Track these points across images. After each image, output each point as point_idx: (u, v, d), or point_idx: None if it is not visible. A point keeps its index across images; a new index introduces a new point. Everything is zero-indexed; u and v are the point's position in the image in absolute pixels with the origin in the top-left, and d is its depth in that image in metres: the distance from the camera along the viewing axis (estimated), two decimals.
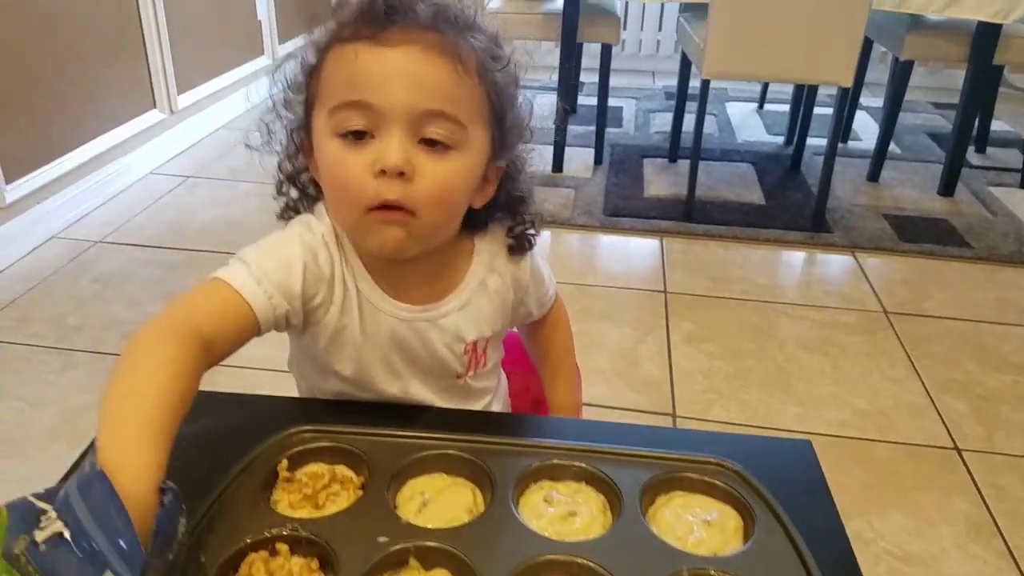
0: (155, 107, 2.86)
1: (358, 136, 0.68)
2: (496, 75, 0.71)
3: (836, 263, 2.53)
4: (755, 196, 2.91)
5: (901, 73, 2.95)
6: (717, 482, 0.69)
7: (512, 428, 0.74)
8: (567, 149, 3.05)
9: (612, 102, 3.57)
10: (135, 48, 2.73)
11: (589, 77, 3.36)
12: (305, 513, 0.64)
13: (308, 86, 0.73)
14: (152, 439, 0.55)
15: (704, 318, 2.16)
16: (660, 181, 3.01)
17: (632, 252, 2.56)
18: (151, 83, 2.82)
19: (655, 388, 1.86)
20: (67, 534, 0.48)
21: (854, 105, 3.43)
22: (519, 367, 1.02)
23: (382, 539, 0.60)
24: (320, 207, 0.78)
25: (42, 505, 0.50)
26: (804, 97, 3.11)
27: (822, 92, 3.14)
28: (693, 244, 2.57)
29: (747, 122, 3.71)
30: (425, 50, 0.67)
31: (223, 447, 0.70)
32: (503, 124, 0.73)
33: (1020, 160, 3.20)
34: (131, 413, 0.56)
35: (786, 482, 0.70)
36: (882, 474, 1.66)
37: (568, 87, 2.99)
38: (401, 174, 0.67)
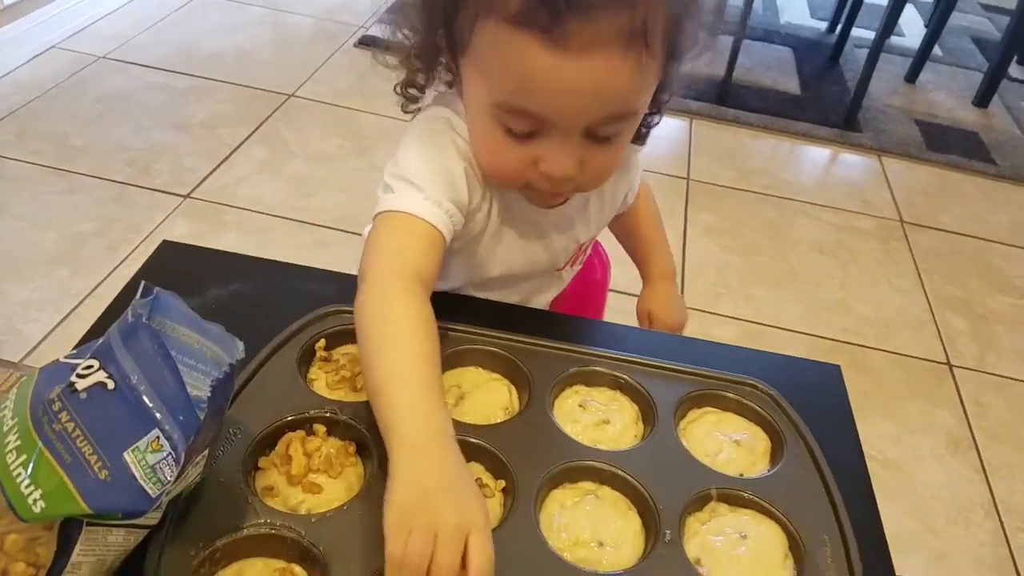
0: None
1: (523, 134, 0.62)
2: (684, 7, 0.60)
3: (861, 165, 2.47)
4: (791, 85, 2.79)
5: None
6: (750, 403, 0.69)
7: (555, 329, 0.73)
8: None
9: None
10: None
11: None
12: (342, 394, 0.64)
13: (453, 16, 0.62)
14: (443, 402, 0.54)
15: (724, 210, 2.13)
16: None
17: (659, 132, 2.46)
18: None
19: None
20: (111, 385, 0.46)
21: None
22: None
23: None
24: (453, 97, 0.71)
25: (76, 361, 0.48)
26: None
27: None
28: (723, 130, 2.49)
29: (792, 1, 3.50)
30: (608, 54, 0.56)
31: (258, 317, 0.69)
32: (679, 53, 0.64)
33: None
34: (413, 384, 0.54)
35: (815, 405, 0.71)
36: (874, 381, 1.70)
37: None
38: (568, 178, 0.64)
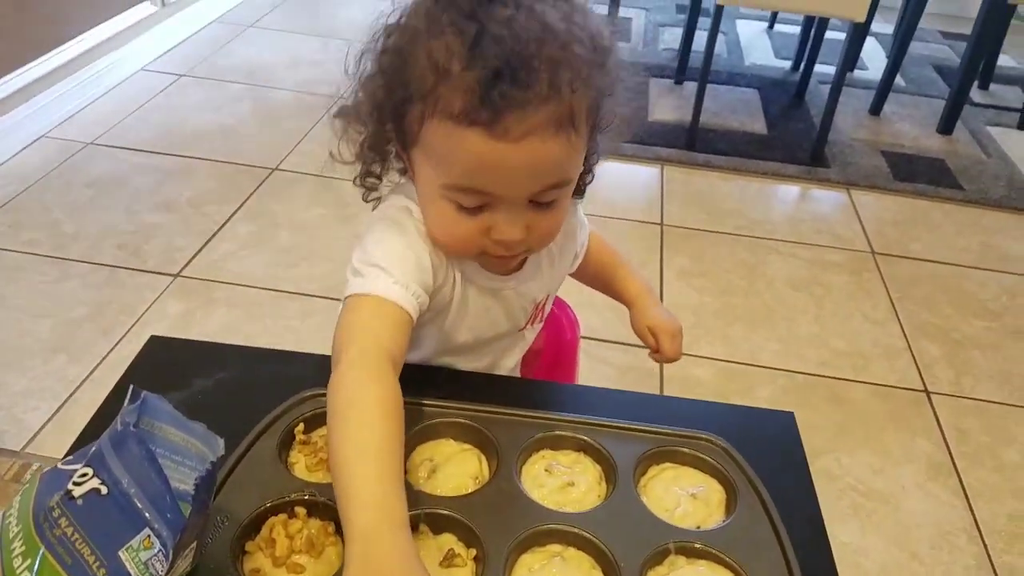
0: None
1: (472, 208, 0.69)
2: (601, 83, 0.67)
3: (830, 200, 2.55)
4: (758, 125, 2.89)
5: (916, 3, 2.88)
6: (705, 456, 0.74)
7: (519, 395, 0.78)
8: None
9: (622, 11, 3.49)
10: None
11: None
12: (321, 475, 0.69)
13: (402, 111, 0.68)
14: (399, 488, 0.56)
15: (697, 253, 2.19)
16: (665, 104, 2.97)
17: (632, 181, 2.56)
18: None
19: None
20: (104, 491, 0.51)
21: (866, 29, 3.36)
22: None
23: None
24: (408, 185, 0.77)
25: (73, 467, 0.53)
26: (816, 21, 3.05)
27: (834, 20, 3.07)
28: (693, 174, 2.57)
29: (756, 43, 3.63)
30: (543, 138, 0.63)
31: (239, 405, 0.74)
32: (602, 126, 0.72)
33: (1020, 99, 3.18)
34: (370, 472, 0.56)
35: (768, 454, 0.75)
36: (853, 413, 1.74)
37: None
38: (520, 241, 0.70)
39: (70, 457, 0.56)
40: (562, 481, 0.70)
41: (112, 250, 1.98)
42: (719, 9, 2.49)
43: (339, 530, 0.64)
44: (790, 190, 2.59)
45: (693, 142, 2.68)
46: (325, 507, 0.65)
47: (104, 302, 1.82)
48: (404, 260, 0.72)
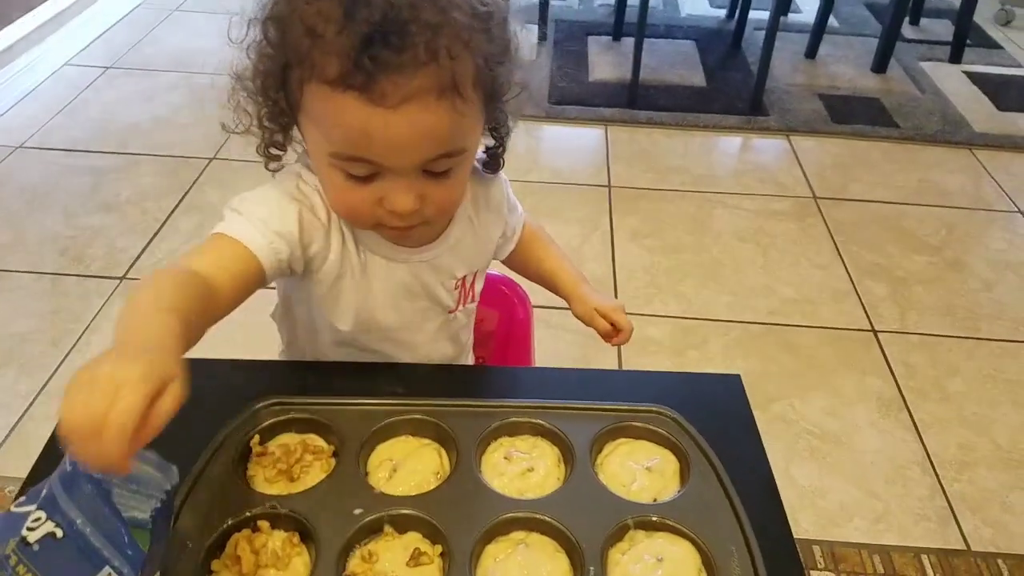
0: None
1: (363, 177, 0.68)
2: (487, 49, 0.66)
3: (771, 148, 2.59)
4: (697, 78, 2.90)
5: None
6: (657, 428, 0.76)
7: (473, 384, 0.79)
8: None
9: None
10: None
11: None
12: (281, 487, 0.69)
13: (285, 76, 0.67)
14: (166, 315, 0.56)
15: (646, 212, 2.22)
16: (604, 63, 2.96)
17: (577, 144, 2.56)
18: None
19: (600, 284, 1.94)
20: (59, 534, 0.51)
21: None
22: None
23: (357, 511, 0.66)
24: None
25: (26, 509, 0.53)
26: None
27: None
28: (636, 132, 2.58)
29: None
30: (424, 104, 0.62)
31: (191, 419, 0.73)
32: (498, 95, 0.71)
33: (951, 32, 3.24)
34: (141, 308, 0.58)
35: (718, 419, 0.78)
36: (805, 358, 1.80)
37: None
38: (412, 212, 0.69)
39: (23, 498, 0.56)
40: (521, 467, 0.72)
41: (54, 257, 1.93)
42: None
43: (304, 538, 0.65)
44: (732, 141, 2.62)
45: (634, 99, 2.69)
46: (288, 518, 0.66)
47: (50, 311, 1.78)
48: (262, 204, 0.73)
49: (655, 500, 0.70)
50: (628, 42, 2.96)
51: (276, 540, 0.65)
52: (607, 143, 2.52)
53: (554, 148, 2.53)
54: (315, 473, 0.70)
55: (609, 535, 0.66)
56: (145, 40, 2.94)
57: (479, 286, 0.91)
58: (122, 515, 0.52)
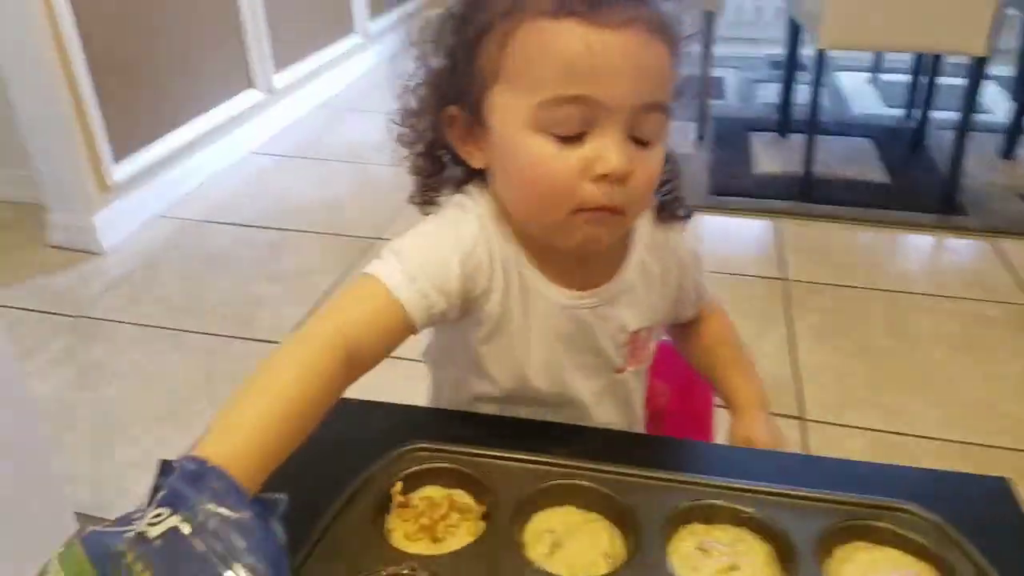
0: (253, 87, 2.86)
1: (570, 137, 0.61)
2: (678, 35, 0.64)
3: (972, 249, 2.30)
4: (876, 174, 2.68)
5: None
6: (909, 534, 0.57)
7: (656, 455, 0.64)
8: None
9: (712, 72, 3.38)
10: (232, 28, 2.73)
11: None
12: (422, 547, 0.57)
13: (475, 56, 0.63)
14: (262, 435, 0.51)
15: (830, 309, 1.99)
16: (770, 157, 2.81)
17: (742, 235, 2.40)
18: (247, 63, 2.83)
19: (780, 387, 1.71)
20: (186, 529, 0.43)
21: (982, 72, 3.13)
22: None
23: None
24: (472, 187, 0.70)
25: (126, 528, 0.44)
26: (929, 65, 2.85)
27: (944, 60, 2.86)
28: (810, 227, 2.38)
29: (860, 92, 3.45)
30: (645, 32, 0.60)
31: (329, 461, 0.63)
32: (678, 90, 0.65)
33: None
34: (246, 407, 0.53)
35: (985, 529, 0.58)
36: None
37: None
38: (622, 178, 0.61)
39: (111, 521, 0.47)
40: (723, 563, 0.55)
41: (222, 321, 1.97)
42: (820, 54, 2.35)
43: None
44: (924, 240, 2.36)
45: (808, 193, 2.50)
46: None
47: (214, 371, 1.80)
48: (423, 250, 0.66)
49: None
50: (795, 138, 2.81)
51: None
52: (777, 235, 2.34)
53: (717, 238, 2.37)
54: (461, 536, 0.57)
55: None
56: (321, 134, 3.12)
57: (652, 346, 0.78)
58: (261, 506, 0.46)
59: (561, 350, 0.71)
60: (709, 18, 2.76)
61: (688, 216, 0.76)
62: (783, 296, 2.04)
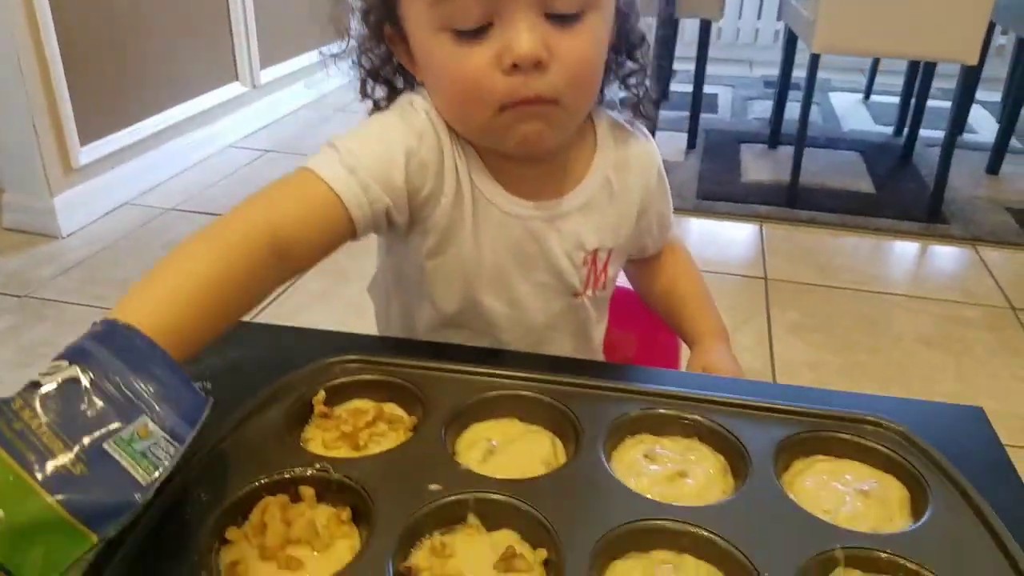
0: (237, 80, 2.83)
1: (472, 32, 0.56)
2: None
3: (955, 256, 2.28)
4: (864, 185, 2.67)
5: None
6: (874, 444, 0.52)
7: (605, 373, 0.59)
8: (657, 133, 2.86)
9: (707, 89, 3.34)
10: (219, 20, 2.70)
11: (683, 65, 3.17)
12: (342, 453, 0.51)
13: None
14: (173, 311, 0.47)
15: (809, 307, 1.95)
16: (759, 167, 2.79)
17: (728, 237, 2.36)
18: (234, 55, 2.80)
19: (756, 378, 1.67)
20: (85, 380, 0.38)
21: (971, 95, 3.14)
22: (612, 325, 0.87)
23: (434, 487, 0.47)
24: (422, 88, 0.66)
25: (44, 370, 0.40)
26: (917, 84, 2.86)
27: (933, 87, 2.86)
28: (795, 231, 2.35)
29: (853, 112, 3.45)
30: None
31: (248, 379, 0.57)
32: None
33: None
34: (157, 285, 0.49)
35: (959, 450, 0.53)
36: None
37: (661, 69, 2.81)
38: (537, 64, 0.56)
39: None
40: (670, 470, 0.50)
41: None
42: (814, 59, 2.35)
43: (357, 519, 0.46)
44: (908, 246, 2.33)
45: (794, 200, 2.48)
46: (340, 487, 0.47)
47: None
48: (365, 142, 0.60)
49: (875, 532, 0.46)
50: (784, 150, 2.79)
51: (320, 515, 0.46)
52: (762, 238, 2.30)
53: (703, 240, 2.34)
54: (387, 445, 0.52)
55: (805, 568, 0.42)
56: (307, 132, 3.08)
57: (612, 271, 0.73)
58: (174, 363, 0.41)
59: (513, 264, 0.67)
60: (705, 27, 2.77)
61: (652, 120, 0.72)
62: (763, 294, 2.00)
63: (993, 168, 2.83)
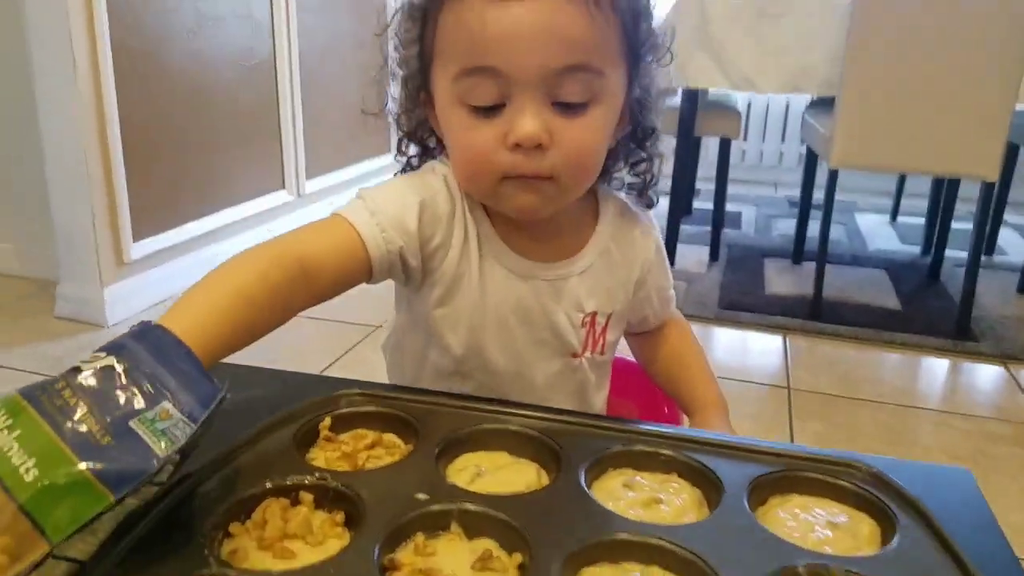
0: (284, 188, 3.01)
1: (487, 109, 0.63)
2: None
3: (985, 373, 2.25)
4: (890, 301, 2.68)
5: None
6: (848, 484, 0.54)
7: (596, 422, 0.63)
8: (679, 246, 2.95)
9: (731, 207, 3.47)
10: (271, 132, 2.92)
11: (707, 185, 3.29)
12: (340, 468, 0.55)
13: (422, 37, 0.68)
14: (209, 320, 0.54)
15: (833, 418, 1.94)
16: (782, 280, 2.84)
17: (750, 347, 2.38)
18: (283, 166, 2.99)
19: None
20: (120, 368, 0.45)
21: (999, 217, 3.19)
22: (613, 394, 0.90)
23: (422, 496, 0.50)
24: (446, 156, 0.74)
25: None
26: (942, 204, 2.92)
27: (961, 208, 2.92)
28: (819, 343, 2.36)
29: (878, 232, 3.51)
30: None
31: (262, 415, 0.62)
32: (639, 49, 0.67)
33: None
34: (198, 298, 0.56)
35: (942, 506, 0.54)
36: None
37: (682, 185, 2.92)
38: (538, 145, 0.62)
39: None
40: (647, 496, 0.53)
41: None
42: (833, 175, 2.43)
43: (350, 523, 0.50)
44: (936, 362, 2.32)
45: (818, 313, 2.50)
46: (337, 495, 0.51)
47: None
48: (385, 192, 0.69)
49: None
50: (808, 265, 2.84)
51: (316, 517, 0.50)
52: (786, 349, 2.32)
53: (726, 349, 2.36)
54: None
55: None
56: None
57: (611, 336, 0.77)
58: (197, 360, 0.48)
59: (515, 320, 0.72)
60: (725, 144, 2.90)
61: (652, 204, 0.78)
62: (787, 404, 2.00)
63: None
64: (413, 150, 0.76)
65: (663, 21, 0.71)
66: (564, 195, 0.68)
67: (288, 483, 0.51)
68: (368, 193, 0.68)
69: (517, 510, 0.49)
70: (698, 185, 3.66)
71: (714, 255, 3.01)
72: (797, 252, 3.02)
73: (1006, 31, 2.16)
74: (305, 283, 0.61)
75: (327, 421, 0.59)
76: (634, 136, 0.74)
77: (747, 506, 0.51)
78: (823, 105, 2.65)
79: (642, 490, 0.53)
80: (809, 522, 0.51)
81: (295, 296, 0.61)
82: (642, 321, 0.83)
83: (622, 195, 0.78)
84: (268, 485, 0.51)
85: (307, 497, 0.50)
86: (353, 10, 3.33)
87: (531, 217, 0.68)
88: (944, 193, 2.92)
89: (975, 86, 2.21)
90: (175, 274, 2.49)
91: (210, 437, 0.49)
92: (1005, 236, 3.41)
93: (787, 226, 3.42)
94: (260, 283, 0.58)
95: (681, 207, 2.95)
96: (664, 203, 2.79)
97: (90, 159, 2.12)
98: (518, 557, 0.46)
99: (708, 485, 0.54)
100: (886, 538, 0.50)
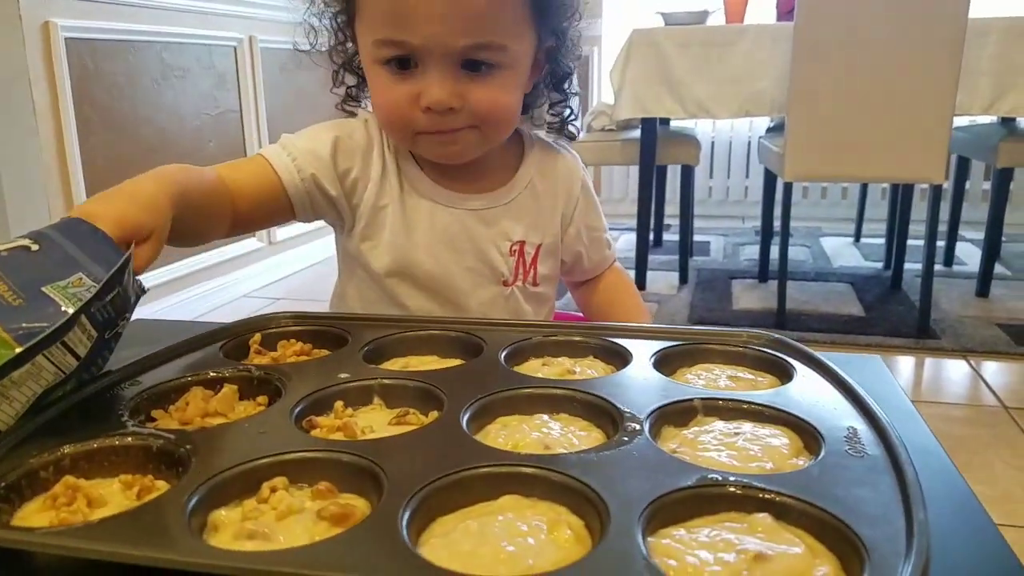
0: (254, 235, 3.05)
1: (402, 65, 0.68)
2: None
3: (948, 366, 2.29)
4: (854, 309, 2.74)
5: (1000, 182, 2.82)
6: (751, 350, 0.57)
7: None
8: (649, 273, 3.00)
9: (700, 237, 3.55)
10: None
11: (676, 221, 3.37)
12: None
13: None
14: (166, 184, 0.59)
15: None
16: (749, 297, 2.89)
17: None
18: None
19: None
20: (35, 247, 0.48)
21: (954, 231, 3.29)
22: None
23: (343, 375, 0.52)
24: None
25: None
26: (898, 217, 3.01)
27: (920, 228, 3.00)
28: None
29: (843, 252, 3.58)
30: None
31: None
32: (549, 9, 0.71)
33: None
34: (126, 187, 0.58)
35: (843, 365, 0.57)
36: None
37: (646, 212, 2.99)
38: (450, 108, 0.67)
39: None
40: (563, 368, 0.55)
41: None
42: (787, 187, 2.51)
43: (272, 403, 0.51)
44: (900, 359, 2.36)
45: (783, 323, 2.54)
46: (261, 382, 0.53)
47: None
48: (302, 133, 0.74)
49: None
50: (774, 283, 2.89)
51: (239, 404, 0.51)
52: None
53: None
54: None
55: (662, 410, 0.47)
56: (317, 283, 3.25)
57: (543, 268, 0.80)
58: (110, 240, 0.51)
59: (443, 249, 0.75)
60: (687, 172, 2.99)
61: (574, 136, 0.82)
62: None
63: (982, 291, 2.90)
64: (350, 79, 0.79)
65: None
66: (485, 142, 0.72)
67: (212, 375, 0.53)
68: (288, 137, 0.73)
69: (435, 379, 0.51)
70: (667, 221, 3.74)
71: (683, 278, 3.06)
72: (762, 271, 3.09)
73: (940, 45, 2.27)
74: (229, 197, 0.66)
75: (257, 336, 0.61)
76: (553, 77, 0.78)
77: (652, 368, 0.54)
78: (778, 130, 2.75)
79: (558, 365, 0.56)
80: (712, 378, 0.54)
81: (221, 203, 0.65)
82: (576, 260, 0.85)
83: (543, 133, 0.82)
84: (189, 377, 0.53)
85: (231, 389, 0.52)
86: (320, 60, 3.43)
87: (454, 162, 0.73)
88: (899, 206, 3.00)
89: (915, 97, 2.31)
90: (139, 322, 2.49)
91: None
92: (963, 248, 3.50)
93: (754, 251, 3.48)
94: (186, 173, 0.62)
95: (646, 235, 3.02)
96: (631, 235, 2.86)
97: (53, 207, 2.15)
98: (435, 415, 0.48)
99: (619, 361, 0.57)
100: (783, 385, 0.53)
